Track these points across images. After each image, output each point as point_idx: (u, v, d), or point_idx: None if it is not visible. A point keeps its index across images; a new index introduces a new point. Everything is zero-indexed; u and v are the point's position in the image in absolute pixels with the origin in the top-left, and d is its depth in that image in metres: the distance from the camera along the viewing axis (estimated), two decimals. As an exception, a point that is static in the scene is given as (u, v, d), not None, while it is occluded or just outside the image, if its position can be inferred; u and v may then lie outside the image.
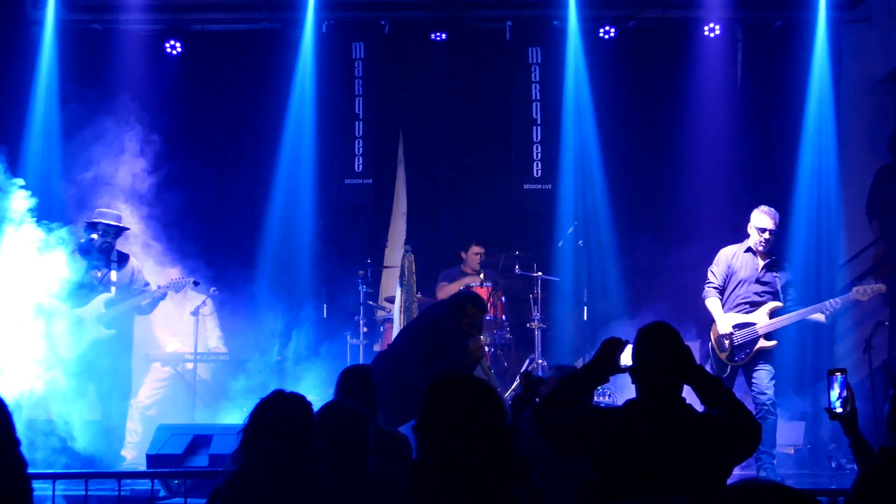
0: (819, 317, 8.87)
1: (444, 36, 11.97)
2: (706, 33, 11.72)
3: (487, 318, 10.42)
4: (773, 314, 8.77)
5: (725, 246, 9.08)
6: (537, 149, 12.08)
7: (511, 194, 12.04)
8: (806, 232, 11.29)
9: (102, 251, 9.14)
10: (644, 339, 4.29)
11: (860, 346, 10.35)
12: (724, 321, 8.85)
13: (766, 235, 8.79)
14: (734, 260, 8.93)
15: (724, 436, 4.15)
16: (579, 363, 10.08)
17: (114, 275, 9.20)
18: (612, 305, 10.66)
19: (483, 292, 10.61)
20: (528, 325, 10.78)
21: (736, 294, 8.92)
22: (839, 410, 4.28)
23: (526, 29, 12.11)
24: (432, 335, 7.55)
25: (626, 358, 4.34)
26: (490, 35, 12.18)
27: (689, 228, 11.13)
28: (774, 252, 9.03)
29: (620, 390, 9.81)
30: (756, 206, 8.97)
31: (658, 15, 11.96)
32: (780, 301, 8.82)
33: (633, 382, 4.29)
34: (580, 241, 10.41)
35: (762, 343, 8.73)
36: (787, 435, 10.12)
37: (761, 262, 8.88)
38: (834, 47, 11.53)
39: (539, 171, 12.05)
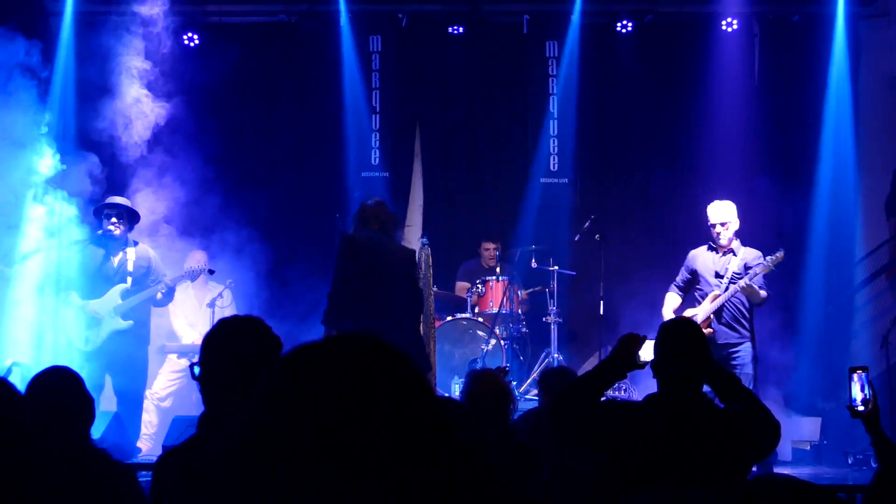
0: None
1: (461, 30, 11.98)
2: (724, 28, 11.68)
3: (504, 311, 10.45)
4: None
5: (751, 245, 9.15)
6: (554, 142, 12.08)
7: (527, 188, 12.02)
8: (825, 226, 11.24)
9: (117, 238, 9.03)
10: (667, 335, 4.30)
11: (877, 342, 10.30)
12: (668, 314, 9.07)
13: (717, 229, 8.99)
14: (694, 261, 9.20)
15: (745, 431, 4.16)
16: (594, 359, 10.09)
17: (130, 264, 9.11)
18: (629, 300, 10.60)
19: (500, 286, 10.64)
20: (544, 319, 10.77)
21: (699, 291, 9.12)
22: (860, 408, 4.26)
23: (543, 23, 12.10)
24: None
25: (645, 353, 4.34)
26: (507, 29, 12.17)
27: (706, 224, 11.08)
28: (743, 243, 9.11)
29: (637, 386, 9.79)
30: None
31: (675, 10, 11.96)
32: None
33: (654, 377, 4.30)
34: (597, 236, 10.37)
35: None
36: (804, 430, 10.10)
37: (718, 256, 9.05)
38: (852, 43, 11.48)
39: (556, 165, 12.06)
